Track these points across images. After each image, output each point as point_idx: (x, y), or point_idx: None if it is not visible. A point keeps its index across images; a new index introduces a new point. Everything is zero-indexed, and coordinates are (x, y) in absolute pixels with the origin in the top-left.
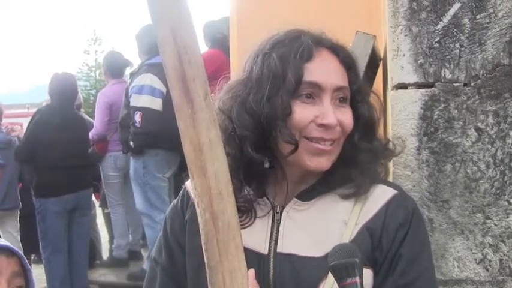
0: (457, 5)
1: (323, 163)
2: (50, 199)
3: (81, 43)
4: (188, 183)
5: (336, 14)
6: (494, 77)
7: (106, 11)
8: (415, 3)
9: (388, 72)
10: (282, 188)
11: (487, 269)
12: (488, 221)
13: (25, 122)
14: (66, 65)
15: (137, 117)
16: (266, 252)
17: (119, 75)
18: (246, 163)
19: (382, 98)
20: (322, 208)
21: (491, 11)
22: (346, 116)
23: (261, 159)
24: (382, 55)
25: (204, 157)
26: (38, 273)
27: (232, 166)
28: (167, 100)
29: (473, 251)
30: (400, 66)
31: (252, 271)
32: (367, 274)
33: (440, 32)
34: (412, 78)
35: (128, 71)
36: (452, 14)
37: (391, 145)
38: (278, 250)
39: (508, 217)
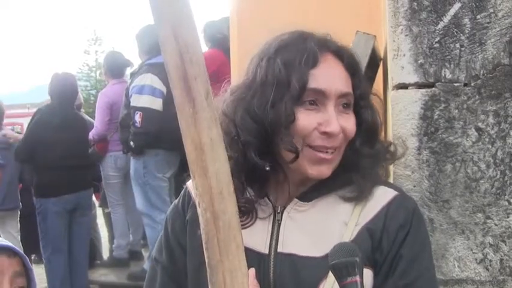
0: (457, 5)
1: (324, 171)
2: (50, 199)
3: (82, 43)
4: (189, 183)
5: (336, 14)
6: (495, 77)
7: (106, 11)
8: (415, 3)
9: (389, 72)
10: (283, 189)
11: (487, 269)
12: (488, 220)
13: (25, 122)
14: (67, 65)
15: (137, 117)
16: (267, 252)
17: (119, 75)
18: (248, 167)
19: (382, 99)
20: (323, 209)
21: (491, 11)
22: (349, 123)
23: (264, 164)
24: (382, 55)
25: (205, 157)
26: (39, 273)
27: (234, 169)
28: (167, 100)
29: (473, 251)
30: (401, 66)
31: (252, 271)
32: (367, 274)
33: (441, 32)
34: (413, 78)
35: (128, 71)
36: (453, 14)
37: (393, 148)
38: (279, 250)
39: (508, 217)
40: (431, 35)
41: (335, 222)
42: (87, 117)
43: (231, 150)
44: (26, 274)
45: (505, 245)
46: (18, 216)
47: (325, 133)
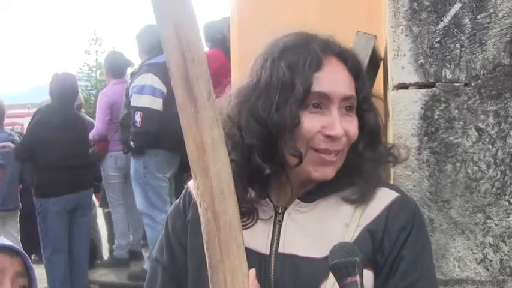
0: (457, 5)
1: (328, 172)
2: (50, 199)
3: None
4: (190, 183)
5: (336, 14)
6: (495, 77)
7: (106, 11)
8: (415, 4)
9: (389, 72)
10: (285, 191)
11: (487, 269)
12: (488, 220)
13: (25, 122)
14: (67, 65)
15: (138, 117)
16: (268, 252)
17: (120, 75)
18: (251, 170)
19: (383, 100)
20: (324, 210)
21: (491, 11)
22: (352, 126)
23: (268, 167)
24: (382, 55)
25: (206, 157)
26: (39, 273)
27: (237, 171)
28: (168, 100)
29: (473, 251)
30: (401, 67)
31: (253, 271)
32: (368, 275)
33: (441, 32)
34: (413, 78)
35: (128, 71)
36: (453, 14)
37: (395, 151)
38: (279, 251)
39: (508, 217)
40: (432, 35)
41: (336, 223)
42: (87, 117)
43: (234, 154)
44: (27, 274)
45: (505, 245)
46: (18, 216)
47: (328, 136)
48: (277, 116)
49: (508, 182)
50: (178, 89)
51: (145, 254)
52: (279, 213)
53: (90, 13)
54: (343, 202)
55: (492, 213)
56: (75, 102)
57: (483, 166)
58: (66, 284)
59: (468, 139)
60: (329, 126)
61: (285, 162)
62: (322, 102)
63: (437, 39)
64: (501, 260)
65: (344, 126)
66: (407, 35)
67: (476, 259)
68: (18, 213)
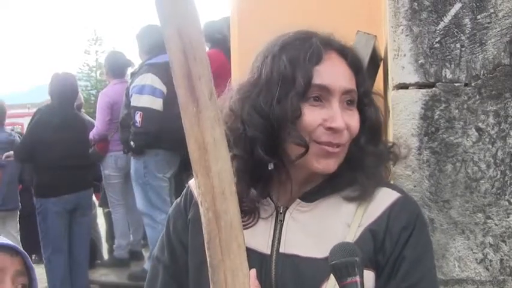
0: (457, 5)
1: (330, 165)
2: (50, 199)
3: (82, 43)
4: (191, 182)
5: (336, 14)
6: (495, 77)
7: (106, 11)
8: (415, 3)
9: (389, 72)
10: (285, 189)
11: (487, 269)
12: (488, 220)
13: (25, 122)
14: (67, 65)
15: (138, 117)
16: (269, 252)
17: (120, 75)
18: (254, 165)
19: (383, 98)
20: (326, 210)
21: (491, 11)
22: (353, 120)
23: (270, 160)
24: (382, 55)
25: (208, 156)
26: (39, 273)
27: (239, 168)
28: (168, 100)
29: (473, 251)
30: (401, 66)
31: (253, 271)
32: (369, 276)
33: (441, 32)
34: (413, 78)
35: (129, 71)
36: (453, 14)
37: (396, 148)
38: (280, 251)
39: (508, 217)
40: (432, 35)
41: (338, 223)
42: (87, 117)
43: (236, 148)
44: (28, 273)
45: (505, 245)
46: (18, 216)
47: (330, 129)
48: (279, 109)
49: (508, 182)
50: (181, 88)
51: (146, 254)
52: (280, 213)
53: (90, 13)
54: (344, 201)
55: (492, 213)
56: (75, 102)
57: (483, 166)
58: (66, 284)
59: (468, 139)
60: (330, 119)
61: (287, 157)
62: (322, 95)
63: (437, 39)
64: (501, 260)
65: (345, 119)
66: (407, 35)
67: (476, 259)
68: (18, 213)
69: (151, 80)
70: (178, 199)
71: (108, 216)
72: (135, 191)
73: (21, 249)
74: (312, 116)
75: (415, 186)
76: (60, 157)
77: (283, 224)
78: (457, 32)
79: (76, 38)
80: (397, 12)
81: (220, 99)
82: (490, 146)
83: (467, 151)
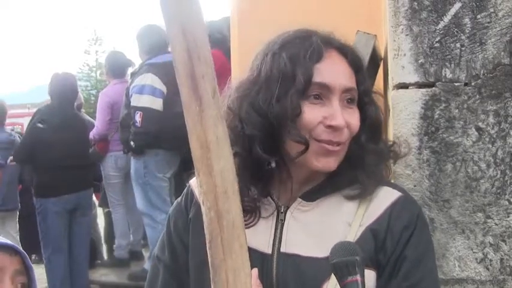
0: (457, 5)
1: (331, 163)
2: (50, 199)
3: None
4: (192, 181)
5: (336, 14)
6: (495, 77)
7: (106, 11)
8: (415, 3)
9: (389, 72)
10: (286, 188)
11: (487, 269)
12: (489, 220)
13: (25, 122)
14: (67, 65)
15: (138, 117)
16: (270, 252)
17: (121, 75)
18: (253, 163)
19: (384, 97)
20: (327, 209)
21: (491, 10)
22: (353, 118)
23: (269, 159)
24: (382, 55)
25: (210, 155)
26: (39, 273)
27: (240, 166)
28: (168, 100)
29: (474, 251)
30: (401, 66)
31: (255, 270)
32: (370, 275)
33: (441, 32)
34: (413, 77)
35: (129, 71)
36: (453, 13)
37: (396, 147)
38: (282, 250)
39: (508, 216)
40: (432, 35)
41: (339, 222)
42: (87, 117)
43: (236, 146)
44: (27, 273)
45: (505, 244)
46: (17, 216)
47: (330, 127)
48: (278, 107)
49: (508, 182)
50: (184, 87)
51: (146, 254)
52: (281, 212)
53: (90, 13)
54: (345, 200)
55: (492, 213)
56: (75, 102)
57: (483, 166)
58: (66, 284)
59: (468, 139)
60: (330, 117)
61: (287, 155)
62: (322, 93)
63: (437, 39)
64: (501, 259)
65: (346, 118)
66: (407, 35)
67: (476, 258)
68: (17, 213)
69: (151, 80)
70: (179, 198)
71: (107, 217)
72: (135, 191)
73: (20, 248)
74: (312, 114)
75: (415, 186)
76: (60, 157)
77: (284, 223)
78: (457, 32)
79: (76, 38)
80: (397, 11)
81: (220, 97)
82: (490, 146)
83: (467, 151)
